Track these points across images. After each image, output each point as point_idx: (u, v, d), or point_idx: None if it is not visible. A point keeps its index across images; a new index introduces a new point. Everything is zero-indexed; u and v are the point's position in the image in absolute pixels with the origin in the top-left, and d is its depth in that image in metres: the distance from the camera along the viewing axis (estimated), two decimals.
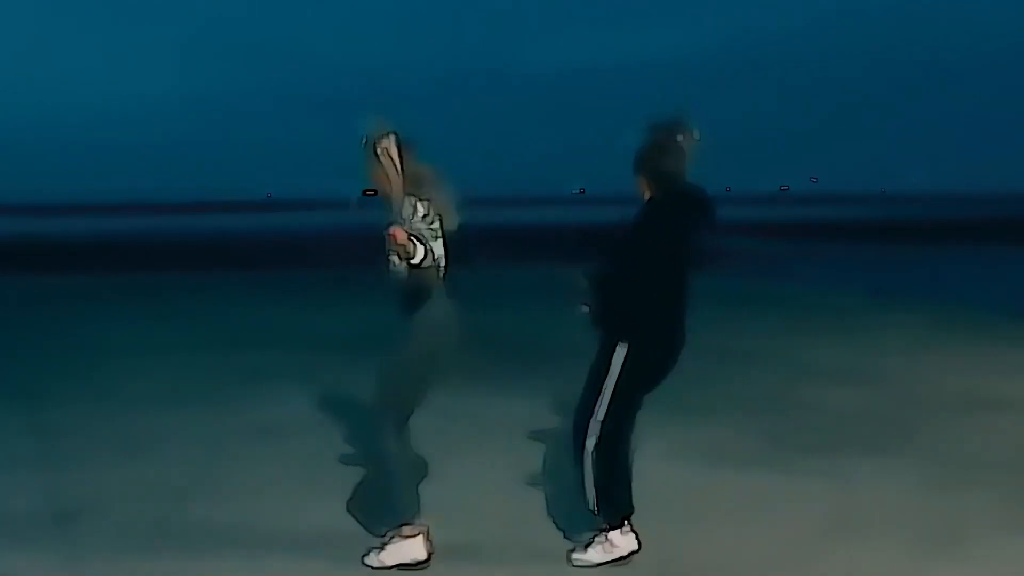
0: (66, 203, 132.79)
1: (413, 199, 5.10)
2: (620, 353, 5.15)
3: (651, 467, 6.85)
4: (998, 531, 5.73)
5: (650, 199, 5.22)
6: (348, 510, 6.07)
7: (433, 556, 5.23)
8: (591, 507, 5.29)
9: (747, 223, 44.36)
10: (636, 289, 5.13)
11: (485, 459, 7.13)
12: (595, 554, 5.27)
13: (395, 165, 5.14)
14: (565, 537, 5.61)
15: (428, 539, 5.24)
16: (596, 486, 5.23)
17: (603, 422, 5.19)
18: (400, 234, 4.91)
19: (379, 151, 5.16)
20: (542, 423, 7.98)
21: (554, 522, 5.89)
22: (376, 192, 5.26)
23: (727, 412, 8.43)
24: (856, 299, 17.35)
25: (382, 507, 5.38)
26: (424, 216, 5.09)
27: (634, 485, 5.85)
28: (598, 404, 5.20)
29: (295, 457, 7.34)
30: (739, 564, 5.31)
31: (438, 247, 5.13)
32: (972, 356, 11.32)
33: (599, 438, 5.20)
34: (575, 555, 5.32)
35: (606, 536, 5.26)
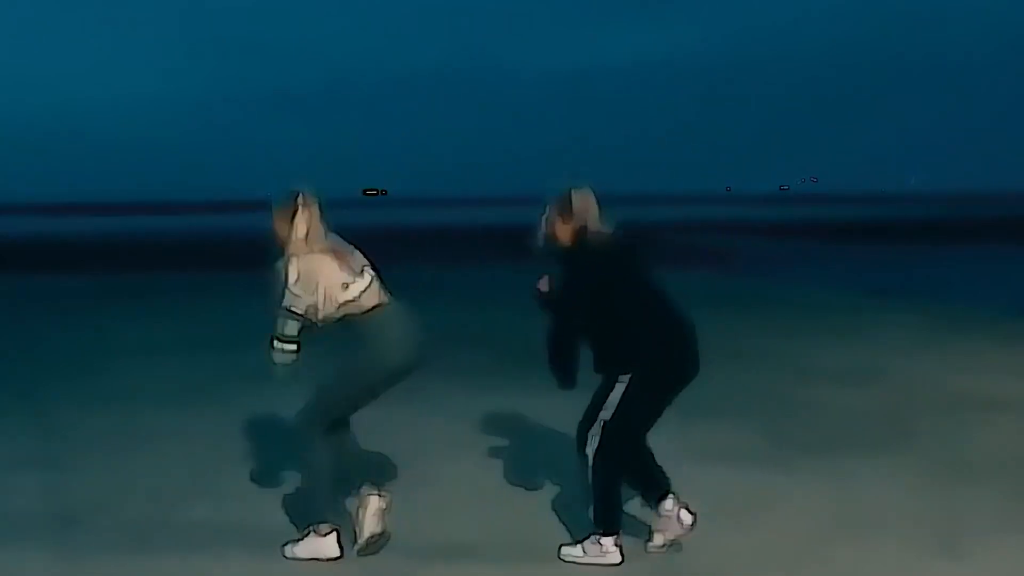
0: (65, 203, 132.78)
1: (295, 259, 5.34)
2: (620, 385, 5.24)
3: None
4: (998, 531, 5.74)
5: (568, 253, 5.41)
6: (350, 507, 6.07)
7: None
8: (591, 514, 5.35)
9: (747, 223, 44.38)
10: (607, 331, 5.27)
11: (483, 458, 7.13)
12: (583, 552, 5.30)
13: (306, 227, 5.40)
14: (561, 536, 5.61)
15: (339, 542, 5.40)
16: (595, 495, 5.29)
17: (605, 439, 5.25)
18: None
19: (297, 211, 5.42)
20: (540, 423, 7.98)
21: (551, 521, 5.90)
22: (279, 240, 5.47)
23: (727, 412, 8.42)
24: (856, 299, 17.35)
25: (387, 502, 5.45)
26: (296, 281, 5.34)
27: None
28: (599, 423, 5.28)
29: (295, 456, 7.32)
30: (739, 564, 5.32)
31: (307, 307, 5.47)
32: (972, 356, 11.32)
33: (600, 451, 5.26)
34: (564, 548, 5.37)
35: (599, 539, 5.29)
